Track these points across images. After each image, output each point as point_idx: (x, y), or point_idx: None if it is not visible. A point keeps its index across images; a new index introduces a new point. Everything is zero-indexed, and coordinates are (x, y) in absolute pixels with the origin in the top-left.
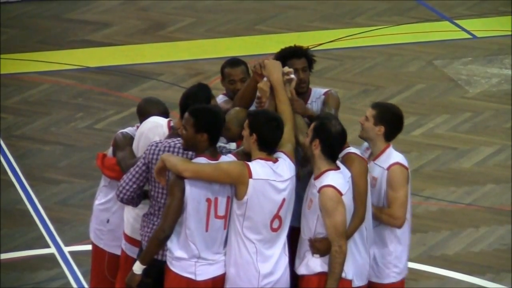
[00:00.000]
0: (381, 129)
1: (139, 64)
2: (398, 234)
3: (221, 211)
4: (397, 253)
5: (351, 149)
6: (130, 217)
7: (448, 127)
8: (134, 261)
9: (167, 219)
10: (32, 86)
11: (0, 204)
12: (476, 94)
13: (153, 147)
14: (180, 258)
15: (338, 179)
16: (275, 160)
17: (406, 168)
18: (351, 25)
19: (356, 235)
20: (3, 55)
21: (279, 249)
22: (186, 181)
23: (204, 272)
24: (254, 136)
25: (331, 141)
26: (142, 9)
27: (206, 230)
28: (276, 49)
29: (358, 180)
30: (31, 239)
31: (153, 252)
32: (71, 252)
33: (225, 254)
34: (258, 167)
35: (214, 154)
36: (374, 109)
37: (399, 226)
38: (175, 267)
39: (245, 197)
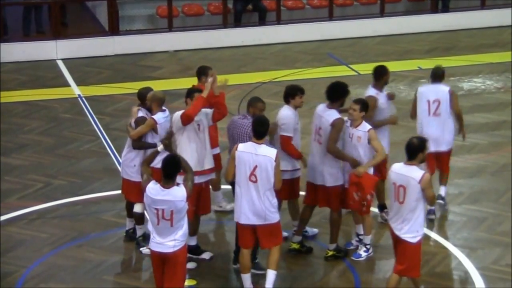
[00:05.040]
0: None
1: (177, 89)
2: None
3: (167, 216)
4: None
5: None
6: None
7: None
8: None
9: None
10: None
11: None
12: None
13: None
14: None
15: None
16: (262, 143)
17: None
18: (292, 67)
19: None
20: None
21: (255, 194)
22: (144, 196)
23: (154, 247)
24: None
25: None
26: (179, 59)
27: (158, 224)
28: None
29: None
30: None
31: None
32: None
33: (172, 240)
34: (243, 146)
35: None
36: (357, 104)
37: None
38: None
39: (236, 161)
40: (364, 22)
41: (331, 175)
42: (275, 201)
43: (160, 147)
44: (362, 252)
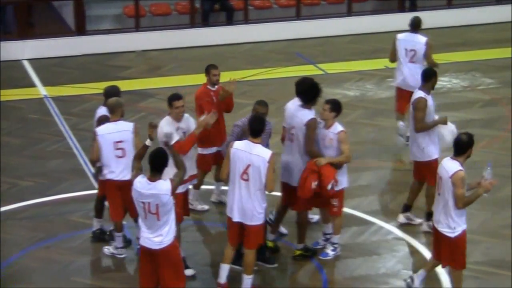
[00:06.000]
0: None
1: (146, 89)
2: None
3: (153, 210)
4: None
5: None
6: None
7: None
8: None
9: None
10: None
11: None
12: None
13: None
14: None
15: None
16: (257, 142)
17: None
18: (262, 67)
19: None
20: None
21: (246, 192)
22: (132, 190)
23: (143, 242)
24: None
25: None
26: (148, 59)
27: (145, 218)
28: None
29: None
30: None
31: None
32: None
33: (160, 236)
34: (239, 143)
35: None
36: (328, 104)
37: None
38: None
39: (230, 158)
40: (332, 22)
41: None
42: (264, 202)
43: (147, 141)
44: (330, 251)
